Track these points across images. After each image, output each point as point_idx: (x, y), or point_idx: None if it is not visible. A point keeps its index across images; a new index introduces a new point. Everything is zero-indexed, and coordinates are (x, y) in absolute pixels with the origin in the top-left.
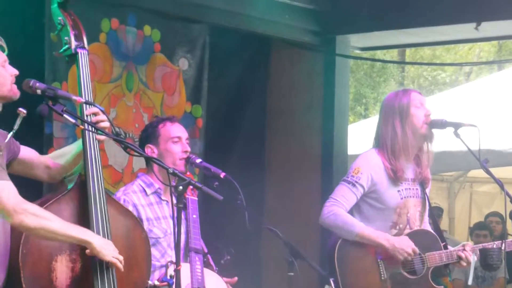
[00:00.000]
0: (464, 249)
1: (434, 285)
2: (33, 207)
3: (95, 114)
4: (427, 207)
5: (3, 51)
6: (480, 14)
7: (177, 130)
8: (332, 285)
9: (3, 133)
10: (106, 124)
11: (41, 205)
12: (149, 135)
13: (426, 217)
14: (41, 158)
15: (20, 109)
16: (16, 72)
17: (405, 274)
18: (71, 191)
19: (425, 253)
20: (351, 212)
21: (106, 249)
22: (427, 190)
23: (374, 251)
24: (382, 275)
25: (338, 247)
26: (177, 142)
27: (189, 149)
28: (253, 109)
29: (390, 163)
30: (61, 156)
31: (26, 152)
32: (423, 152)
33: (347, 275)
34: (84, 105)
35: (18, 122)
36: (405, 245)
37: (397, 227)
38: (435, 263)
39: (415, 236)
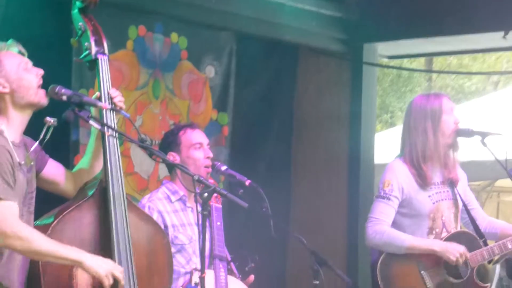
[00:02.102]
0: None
1: (481, 284)
2: (23, 231)
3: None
4: (460, 207)
5: (23, 55)
6: (508, 23)
7: (198, 136)
8: None
9: (33, 142)
10: (122, 105)
11: (61, 211)
12: (170, 142)
13: (462, 216)
14: (67, 173)
15: (48, 118)
16: (41, 71)
17: (451, 279)
18: (92, 198)
19: None
20: None
21: (101, 266)
22: (460, 189)
23: (416, 264)
24: (428, 286)
25: (380, 266)
26: (199, 148)
27: (211, 154)
28: (279, 116)
29: (417, 170)
30: (81, 164)
31: (51, 170)
32: (449, 158)
33: None
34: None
35: (44, 131)
36: (456, 245)
37: (433, 232)
38: (478, 262)
39: (453, 239)
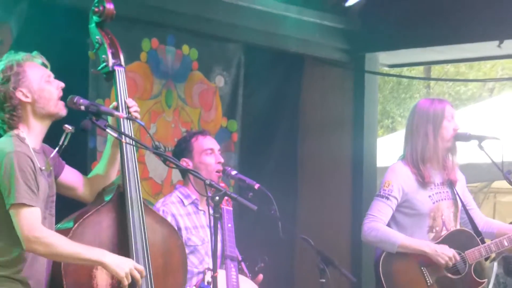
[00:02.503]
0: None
1: (479, 280)
2: (46, 236)
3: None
4: (459, 207)
5: (46, 67)
6: (502, 33)
7: (209, 142)
8: None
9: (51, 150)
10: (137, 114)
11: (81, 216)
12: (183, 149)
13: (461, 216)
14: (84, 179)
15: (66, 125)
16: (62, 84)
17: (450, 275)
18: (110, 202)
19: (464, 252)
20: (388, 224)
21: (122, 266)
22: (459, 190)
23: (417, 261)
24: (428, 282)
25: (382, 262)
26: (210, 154)
27: (222, 160)
28: (286, 123)
29: (418, 170)
30: (97, 170)
31: (68, 176)
32: (448, 160)
33: None
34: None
35: (63, 138)
36: (446, 250)
37: (434, 230)
38: (476, 259)
39: (452, 237)
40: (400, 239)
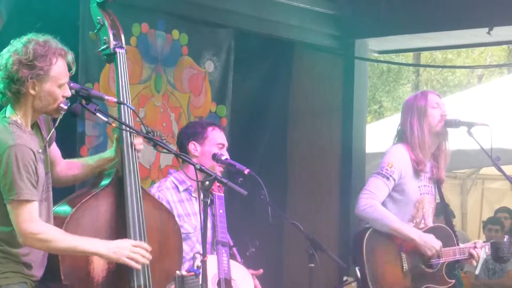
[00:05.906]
0: (475, 247)
1: (448, 279)
2: (42, 232)
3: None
4: (435, 204)
5: (70, 70)
6: (492, 20)
7: (223, 137)
8: (358, 273)
9: (43, 116)
10: (140, 147)
11: (79, 199)
12: (197, 133)
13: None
14: (62, 159)
15: (62, 105)
16: (68, 94)
17: (423, 267)
18: (109, 186)
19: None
20: None
21: (121, 251)
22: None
23: (399, 245)
24: (404, 267)
25: (367, 239)
26: (220, 149)
27: (228, 157)
28: (275, 109)
29: (415, 156)
30: (88, 161)
31: (53, 149)
32: (441, 151)
33: (373, 265)
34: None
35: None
36: (434, 243)
37: (414, 221)
38: (449, 258)
39: (433, 231)
40: (393, 222)
